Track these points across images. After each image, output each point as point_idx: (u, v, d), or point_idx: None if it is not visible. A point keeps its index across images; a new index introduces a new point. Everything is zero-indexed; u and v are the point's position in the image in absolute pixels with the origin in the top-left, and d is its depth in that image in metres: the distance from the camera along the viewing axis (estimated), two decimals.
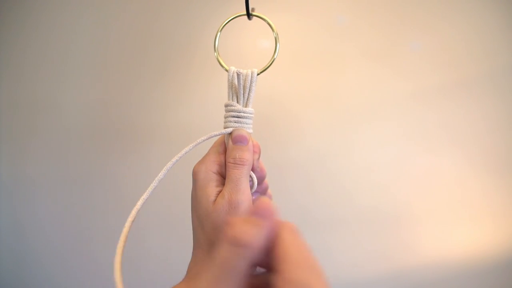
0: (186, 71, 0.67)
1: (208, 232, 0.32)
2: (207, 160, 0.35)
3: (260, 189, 0.38)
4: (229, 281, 0.21)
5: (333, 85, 0.65)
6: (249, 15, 0.38)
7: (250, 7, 0.38)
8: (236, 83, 0.35)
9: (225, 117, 0.36)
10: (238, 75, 0.34)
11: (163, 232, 0.68)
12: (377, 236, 0.66)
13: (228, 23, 0.39)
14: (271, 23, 0.37)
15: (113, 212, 0.69)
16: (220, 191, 0.33)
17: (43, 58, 0.68)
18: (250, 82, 0.35)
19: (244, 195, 0.31)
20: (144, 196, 0.32)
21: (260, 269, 0.25)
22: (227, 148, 0.35)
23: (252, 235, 0.22)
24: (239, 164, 0.33)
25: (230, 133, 0.35)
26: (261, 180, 0.37)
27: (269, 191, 0.40)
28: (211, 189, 0.33)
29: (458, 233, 0.65)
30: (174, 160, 0.34)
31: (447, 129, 0.63)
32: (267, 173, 0.38)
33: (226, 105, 0.36)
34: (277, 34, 0.36)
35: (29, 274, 0.71)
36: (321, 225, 0.66)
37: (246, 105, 0.35)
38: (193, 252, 0.34)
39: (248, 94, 0.35)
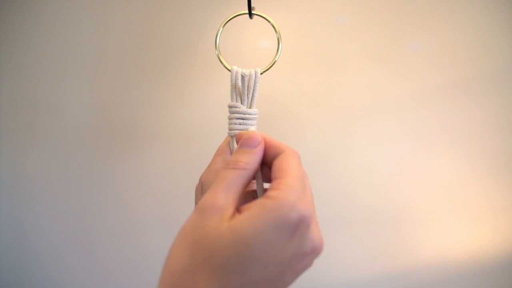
0: (186, 70, 0.67)
1: None
2: (213, 170, 0.34)
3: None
4: (232, 192, 0.26)
5: (333, 85, 0.65)
6: (250, 14, 0.37)
7: (255, 6, 0.38)
8: (240, 84, 0.35)
9: (230, 119, 0.35)
10: (243, 76, 0.34)
11: (163, 233, 0.68)
12: (378, 236, 0.66)
13: (228, 22, 0.39)
14: (273, 23, 0.37)
15: (113, 211, 0.69)
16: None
17: (43, 58, 0.68)
18: (254, 82, 0.35)
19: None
20: None
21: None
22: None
23: (245, 161, 0.27)
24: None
25: (234, 136, 0.35)
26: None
27: None
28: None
29: (459, 233, 0.65)
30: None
31: (448, 129, 0.64)
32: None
33: (230, 106, 0.35)
34: (280, 34, 0.36)
35: (29, 274, 0.71)
36: (322, 225, 0.66)
37: (250, 106, 0.35)
38: None
39: (252, 94, 0.35)
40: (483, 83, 0.62)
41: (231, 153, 0.35)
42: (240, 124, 0.35)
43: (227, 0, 0.63)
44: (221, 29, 0.38)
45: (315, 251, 0.26)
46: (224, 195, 0.26)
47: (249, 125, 0.35)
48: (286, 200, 0.24)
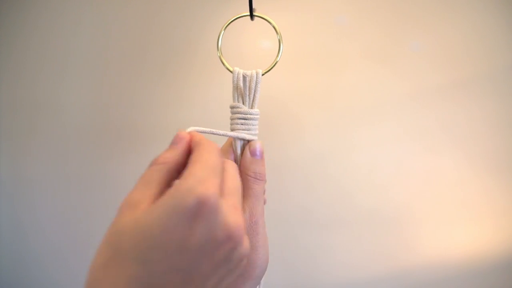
0: (186, 71, 0.67)
1: None
2: None
3: None
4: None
5: (333, 85, 0.65)
6: (252, 15, 0.37)
7: (255, 6, 0.38)
8: (242, 84, 0.35)
9: (231, 119, 0.36)
10: (244, 76, 0.35)
11: None
12: (377, 236, 0.66)
13: (229, 23, 0.39)
14: (275, 24, 0.37)
15: (113, 211, 0.69)
16: None
17: (43, 58, 0.68)
18: (255, 83, 0.35)
19: (262, 210, 0.33)
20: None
21: None
22: (242, 159, 0.35)
23: (164, 156, 0.28)
24: (259, 180, 0.33)
25: (246, 142, 0.35)
26: None
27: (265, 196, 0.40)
28: None
29: (459, 233, 0.65)
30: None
31: (448, 129, 0.64)
32: (266, 174, 0.38)
33: (232, 107, 0.36)
34: (281, 35, 0.36)
35: (29, 274, 0.71)
36: (321, 226, 0.67)
37: (252, 107, 0.35)
38: None
39: (254, 95, 0.35)
40: (483, 83, 0.62)
41: (234, 154, 0.36)
42: (242, 124, 0.35)
43: (227, 0, 0.63)
44: (223, 32, 0.38)
45: (232, 238, 0.24)
46: (139, 191, 0.26)
47: (250, 125, 0.35)
48: (182, 185, 0.23)
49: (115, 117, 0.68)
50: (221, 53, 0.37)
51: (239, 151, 0.36)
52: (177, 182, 0.25)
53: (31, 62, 0.68)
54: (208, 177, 0.24)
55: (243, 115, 0.35)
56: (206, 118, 0.67)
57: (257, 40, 0.64)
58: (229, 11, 0.64)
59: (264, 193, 0.38)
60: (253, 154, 0.34)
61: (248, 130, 0.35)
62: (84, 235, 0.70)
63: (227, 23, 0.38)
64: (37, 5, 0.67)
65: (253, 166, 0.34)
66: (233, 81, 0.36)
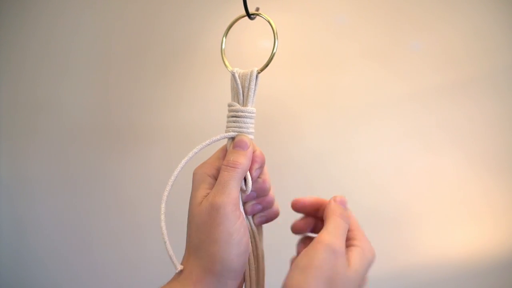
0: (186, 71, 0.67)
1: (192, 234, 0.32)
2: (206, 163, 0.35)
3: (264, 203, 0.37)
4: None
5: (333, 84, 0.65)
6: (249, 15, 0.37)
7: (254, 7, 0.38)
8: (237, 83, 0.35)
9: (227, 117, 0.36)
10: (233, 74, 0.35)
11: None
12: (377, 236, 0.66)
13: (230, 27, 0.39)
14: (271, 21, 0.37)
15: (113, 211, 0.69)
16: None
17: (44, 58, 0.68)
18: (249, 81, 0.35)
19: (229, 198, 0.31)
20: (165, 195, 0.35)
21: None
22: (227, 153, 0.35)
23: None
24: (230, 167, 0.33)
25: (233, 138, 0.35)
26: (263, 192, 0.37)
27: (276, 204, 0.39)
28: (201, 191, 0.33)
29: (458, 233, 0.65)
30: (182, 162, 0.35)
31: (447, 129, 0.64)
32: (266, 174, 0.38)
33: (228, 106, 0.36)
34: (276, 30, 0.36)
35: (29, 273, 0.71)
36: None
37: (245, 105, 0.35)
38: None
39: (247, 93, 0.35)
40: (483, 83, 0.62)
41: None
42: (234, 122, 0.35)
43: (226, 0, 0.63)
44: (225, 35, 0.38)
45: None
46: (339, 240, 0.32)
47: (242, 122, 0.35)
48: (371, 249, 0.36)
49: (115, 117, 0.68)
50: (224, 55, 0.38)
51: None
52: (356, 243, 0.35)
53: (32, 62, 0.68)
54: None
55: (235, 113, 0.35)
56: (206, 118, 0.67)
57: (257, 41, 0.64)
58: (228, 11, 0.64)
59: (273, 202, 0.38)
60: (234, 145, 0.34)
61: (239, 128, 0.35)
62: (84, 235, 0.70)
63: (228, 28, 0.38)
64: (38, 6, 0.67)
65: (229, 156, 0.34)
66: (230, 81, 0.36)
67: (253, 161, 0.35)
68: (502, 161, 0.63)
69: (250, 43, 0.64)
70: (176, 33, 0.66)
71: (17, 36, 0.68)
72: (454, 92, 0.63)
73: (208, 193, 0.33)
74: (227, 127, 0.36)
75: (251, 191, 0.35)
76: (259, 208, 0.37)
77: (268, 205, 0.38)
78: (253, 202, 0.37)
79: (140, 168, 0.68)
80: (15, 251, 0.71)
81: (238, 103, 0.35)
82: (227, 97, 0.38)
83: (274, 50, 0.36)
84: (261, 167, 0.36)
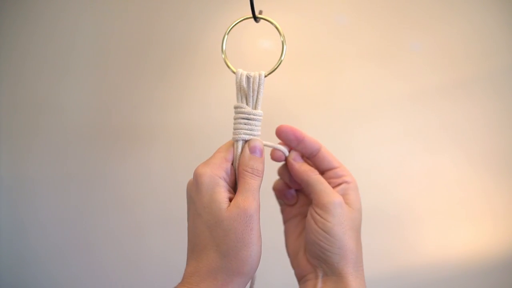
0: (187, 71, 0.67)
1: (218, 239, 0.32)
2: (212, 163, 0.34)
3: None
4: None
5: (332, 84, 0.65)
6: (255, 18, 0.37)
7: (257, 9, 0.37)
8: (245, 85, 0.35)
9: (235, 119, 0.36)
10: (248, 78, 0.35)
11: (163, 232, 0.68)
12: (378, 236, 0.66)
13: (233, 26, 0.39)
14: (278, 26, 0.37)
15: (114, 211, 0.69)
16: (230, 198, 0.33)
17: (44, 58, 0.68)
18: (258, 84, 0.35)
19: (258, 204, 0.33)
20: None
21: None
22: (241, 156, 0.35)
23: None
24: (256, 175, 0.34)
25: (246, 142, 0.35)
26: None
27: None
28: (220, 195, 0.33)
29: (458, 232, 0.65)
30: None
31: (448, 129, 0.64)
32: (265, 173, 0.38)
33: (236, 107, 0.36)
34: (284, 37, 0.36)
35: (29, 273, 0.71)
36: None
37: (255, 107, 0.36)
38: (188, 259, 0.33)
39: (257, 96, 0.35)
40: (483, 83, 0.63)
41: (233, 154, 0.36)
42: (245, 124, 0.35)
43: (228, 1, 0.63)
44: (226, 36, 0.38)
45: None
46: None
47: (253, 125, 0.35)
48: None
49: (116, 117, 0.68)
50: (226, 55, 0.37)
51: (239, 150, 0.35)
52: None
53: (32, 62, 0.68)
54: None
55: (247, 115, 0.35)
56: (206, 118, 0.67)
57: (258, 41, 0.64)
58: (229, 11, 0.64)
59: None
60: (252, 151, 0.35)
61: (251, 130, 0.35)
62: (85, 235, 0.70)
63: (232, 26, 0.38)
64: (38, 6, 0.67)
65: (251, 162, 0.34)
66: (236, 82, 0.36)
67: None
68: (502, 161, 0.63)
69: (250, 43, 0.64)
70: (176, 33, 0.66)
71: (18, 36, 0.68)
72: (454, 92, 0.63)
73: (229, 198, 0.33)
74: (236, 128, 0.35)
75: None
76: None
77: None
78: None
79: (141, 168, 0.68)
80: (15, 251, 0.71)
81: (248, 105, 0.35)
82: (227, 97, 0.38)
83: (282, 57, 0.36)
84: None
